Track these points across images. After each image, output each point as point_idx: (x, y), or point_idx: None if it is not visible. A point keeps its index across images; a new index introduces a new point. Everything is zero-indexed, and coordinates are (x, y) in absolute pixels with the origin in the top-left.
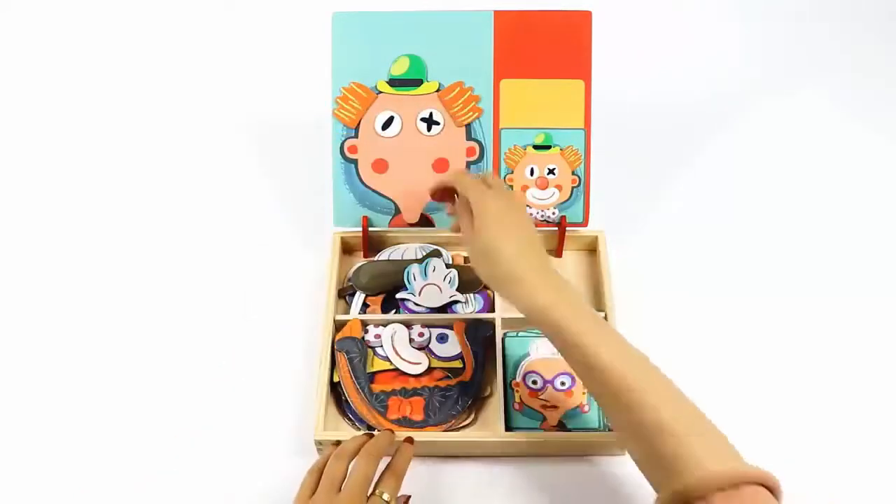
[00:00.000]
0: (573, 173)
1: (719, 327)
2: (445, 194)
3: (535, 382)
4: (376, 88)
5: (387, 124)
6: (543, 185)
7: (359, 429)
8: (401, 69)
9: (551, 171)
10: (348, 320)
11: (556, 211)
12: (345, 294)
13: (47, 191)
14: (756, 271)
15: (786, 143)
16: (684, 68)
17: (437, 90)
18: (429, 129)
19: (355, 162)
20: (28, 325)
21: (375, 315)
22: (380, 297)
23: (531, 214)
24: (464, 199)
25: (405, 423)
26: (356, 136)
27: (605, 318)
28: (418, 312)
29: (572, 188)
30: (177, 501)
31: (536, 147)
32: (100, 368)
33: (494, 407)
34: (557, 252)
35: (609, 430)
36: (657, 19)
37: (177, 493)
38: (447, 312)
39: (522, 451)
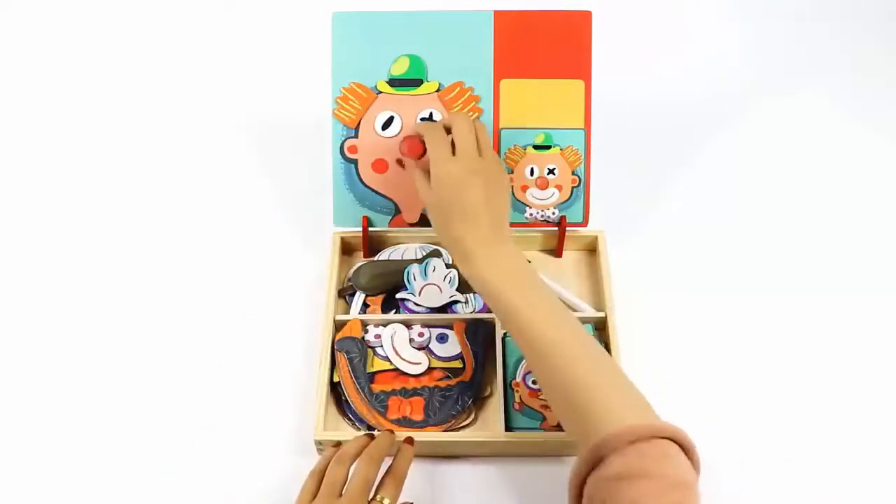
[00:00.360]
0: (573, 173)
1: (719, 327)
2: (413, 146)
3: (535, 382)
4: (376, 88)
5: (387, 124)
6: (543, 185)
7: (359, 429)
8: (401, 69)
9: (551, 171)
10: (348, 320)
11: (556, 211)
12: (345, 294)
13: (48, 191)
14: (756, 271)
15: (786, 143)
16: (684, 68)
17: (437, 90)
18: None
19: (355, 162)
20: (29, 326)
21: (375, 315)
22: (380, 297)
23: (531, 215)
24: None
25: (405, 423)
26: (356, 136)
27: (605, 318)
28: (418, 312)
29: (572, 188)
30: (177, 501)
31: (536, 147)
32: (100, 368)
33: (494, 407)
34: (557, 252)
35: None
36: (657, 19)
37: (177, 493)
38: (447, 312)
39: (522, 451)
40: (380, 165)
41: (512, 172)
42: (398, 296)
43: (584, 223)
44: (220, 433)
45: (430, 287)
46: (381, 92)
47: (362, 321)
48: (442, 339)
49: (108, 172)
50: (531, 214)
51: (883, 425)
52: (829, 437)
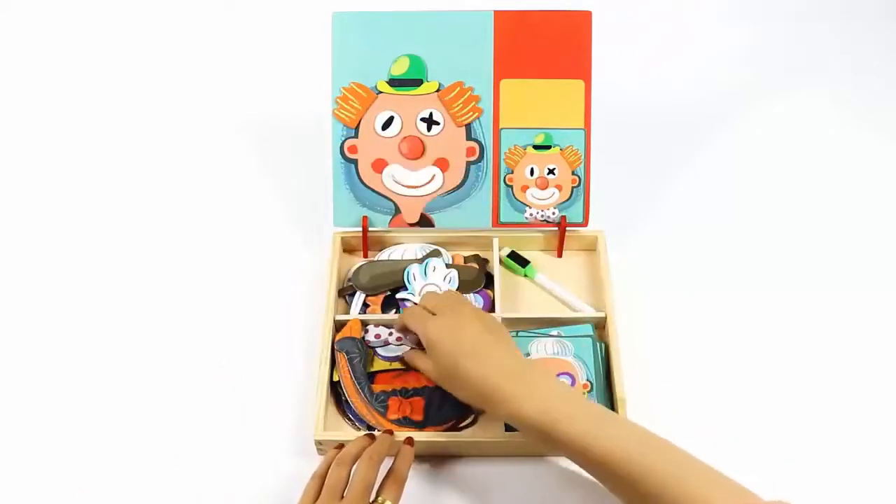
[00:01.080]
0: (573, 173)
1: (719, 327)
2: (413, 146)
3: (532, 173)
4: (376, 88)
5: (387, 124)
6: (543, 185)
7: (359, 429)
8: (401, 69)
9: (551, 171)
10: (348, 320)
11: (556, 211)
12: (345, 294)
13: (48, 191)
14: (756, 271)
15: (785, 143)
16: (684, 68)
17: (437, 90)
18: (429, 129)
19: (355, 162)
20: (29, 326)
21: (375, 315)
22: (380, 297)
23: (531, 215)
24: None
25: (405, 423)
26: (356, 136)
27: (605, 318)
28: None
29: (572, 188)
30: (177, 501)
31: (536, 147)
32: (100, 368)
33: None
34: (557, 252)
35: None
36: (657, 19)
37: (177, 493)
38: None
39: (522, 451)
40: (379, 165)
41: (512, 173)
42: (398, 296)
43: (584, 223)
44: (221, 433)
45: (429, 287)
46: (381, 92)
47: (362, 321)
48: None
49: (108, 172)
50: (531, 214)
51: (883, 422)
52: (830, 435)
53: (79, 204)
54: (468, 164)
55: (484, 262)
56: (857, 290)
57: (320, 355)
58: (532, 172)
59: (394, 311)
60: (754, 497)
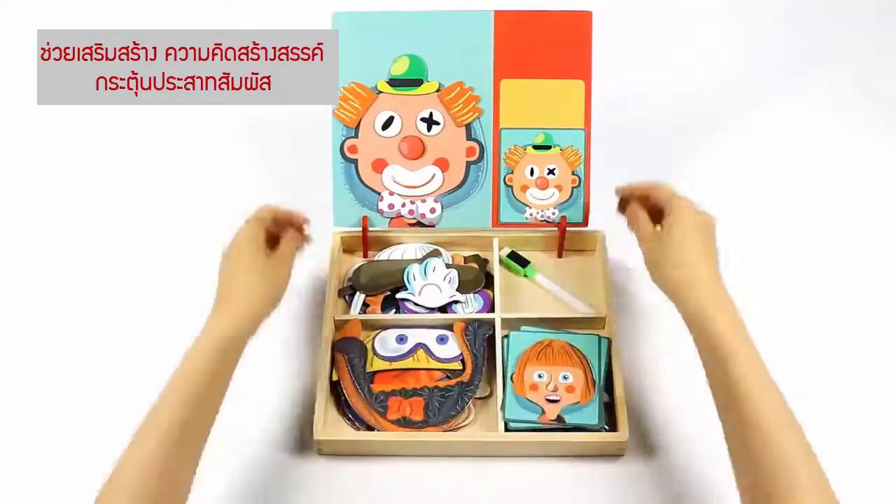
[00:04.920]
0: (573, 173)
1: None
2: (413, 147)
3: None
4: (376, 88)
5: (387, 124)
6: (543, 186)
7: (359, 428)
8: (401, 69)
9: (551, 172)
10: (348, 320)
11: (556, 211)
12: (345, 294)
13: (47, 191)
14: (755, 271)
15: (785, 144)
16: (685, 68)
17: (438, 90)
18: (429, 129)
19: (355, 162)
20: (28, 326)
21: (375, 315)
22: (380, 297)
23: (531, 215)
24: (647, 199)
25: (405, 423)
26: (356, 135)
27: (606, 318)
28: (418, 312)
29: (572, 188)
30: None
31: (536, 147)
32: (100, 368)
33: (494, 407)
34: (557, 252)
35: (608, 429)
36: (657, 19)
37: None
38: (447, 312)
39: (522, 452)
40: (380, 165)
41: (512, 173)
42: (398, 296)
43: (585, 223)
44: (220, 433)
45: (430, 287)
46: (381, 92)
47: (362, 321)
48: (442, 340)
49: (107, 172)
50: (531, 214)
51: (884, 424)
52: (829, 435)
53: (78, 204)
54: (468, 164)
55: (484, 262)
56: (856, 287)
57: (320, 355)
58: (532, 172)
59: (394, 310)
60: (831, 490)
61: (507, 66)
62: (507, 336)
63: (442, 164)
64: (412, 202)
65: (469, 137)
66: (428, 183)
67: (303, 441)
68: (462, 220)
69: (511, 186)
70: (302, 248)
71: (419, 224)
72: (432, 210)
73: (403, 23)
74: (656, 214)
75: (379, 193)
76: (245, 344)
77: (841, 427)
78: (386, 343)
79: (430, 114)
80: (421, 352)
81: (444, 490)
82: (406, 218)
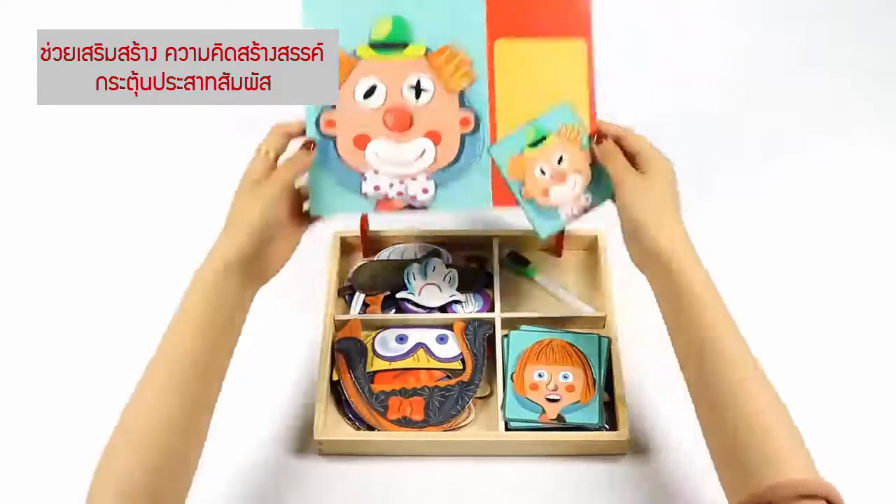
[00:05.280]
0: (581, 149)
1: None
2: (400, 119)
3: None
4: (356, 54)
5: (369, 93)
6: (561, 178)
7: (359, 428)
8: (383, 32)
9: (560, 161)
10: (348, 320)
11: (589, 196)
12: (345, 294)
13: (47, 191)
14: (755, 271)
15: (786, 144)
16: (685, 68)
17: (425, 54)
18: (417, 97)
19: (334, 139)
20: (26, 326)
21: (375, 315)
22: (380, 297)
23: (567, 214)
24: (620, 145)
25: (405, 423)
26: (334, 108)
27: (605, 318)
28: (418, 312)
29: (591, 166)
30: None
31: (532, 145)
32: (100, 368)
33: (494, 407)
34: (557, 252)
35: (608, 429)
36: (657, 19)
37: None
38: (447, 312)
39: (522, 451)
40: (362, 141)
41: (524, 184)
42: (398, 296)
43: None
44: (220, 433)
45: (430, 287)
46: (361, 57)
47: (362, 321)
48: (442, 339)
49: (106, 172)
50: (567, 214)
51: (882, 426)
52: (828, 435)
53: (78, 204)
54: (463, 136)
55: (484, 262)
56: (856, 290)
57: (320, 355)
58: (543, 172)
59: (393, 310)
60: (814, 465)
61: (501, 25)
62: (507, 336)
63: (433, 136)
64: (401, 181)
65: (462, 105)
66: (419, 158)
67: (303, 441)
68: (459, 199)
69: (533, 199)
70: (300, 170)
71: (410, 207)
72: (424, 190)
73: None
74: (630, 158)
75: (362, 174)
76: (249, 266)
77: (849, 428)
78: (386, 343)
79: (418, 80)
80: (421, 351)
81: (445, 490)
82: (395, 200)
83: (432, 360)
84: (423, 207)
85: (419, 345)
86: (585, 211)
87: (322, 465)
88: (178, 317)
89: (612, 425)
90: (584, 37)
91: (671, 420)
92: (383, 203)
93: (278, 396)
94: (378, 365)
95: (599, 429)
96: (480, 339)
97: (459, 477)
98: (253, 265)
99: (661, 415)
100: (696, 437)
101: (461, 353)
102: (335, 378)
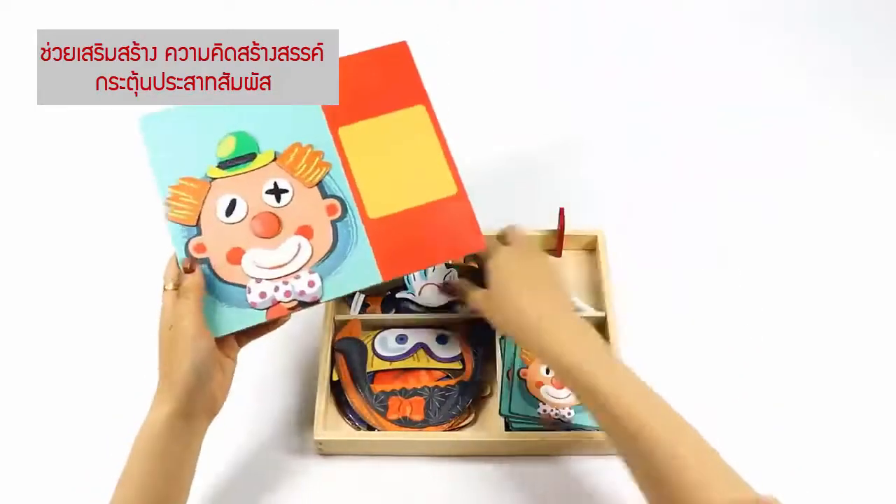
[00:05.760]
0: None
1: (718, 326)
2: (267, 223)
3: (548, 371)
4: (207, 176)
5: (230, 209)
6: (560, 384)
7: (359, 428)
8: (228, 149)
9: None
10: (348, 320)
11: (572, 412)
12: None
13: (47, 191)
14: (755, 271)
15: (785, 144)
16: (684, 69)
17: (275, 158)
18: (278, 199)
19: (207, 261)
20: (27, 326)
21: (375, 315)
22: (380, 297)
23: (544, 411)
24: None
25: (405, 423)
26: (199, 233)
27: (605, 318)
28: (418, 312)
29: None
30: None
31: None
32: (100, 368)
33: (495, 406)
34: (557, 252)
35: None
36: (657, 20)
37: None
38: (447, 312)
39: (522, 451)
40: (236, 255)
41: (527, 367)
42: (398, 296)
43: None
44: (221, 433)
45: (430, 287)
46: (213, 178)
47: (362, 321)
48: (442, 340)
49: (107, 172)
50: (544, 410)
51: (881, 427)
52: (828, 432)
53: (78, 204)
54: (333, 223)
55: (483, 262)
56: (853, 288)
57: (320, 355)
58: (548, 371)
59: (394, 310)
60: (748, 489)
61: (340, 115)
62: (506, 336)
63: (305, 231)
64: (284, 282)
65: (325, 195)
66: (296, 256)
67: (303, 441)
68: (348, 283)
69: (524, 380)
70: (198, 293)
71: (301, 305)
72: (311, 283)
73: (216, 109)
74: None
75: (244, 286)
76: (193, 409)
77: (848, 428)
78: (386, 343)
79: (275, 183)
80: (421, 352)
81: (445, 490)
82: (284, 302)
83: (432, 361)
84: (316, 301)
85: (419, 345)
86: (562, 421)
87: (322, 465)
88: (124, 476)
89: None
90: (421, 103)
91: None
92: (275, 308)
93: (278, 396)
94: (378, 365)
95: (600, 429)
96: (480, 339)
97: (459, 477)
98: (197, 406)
99: None
100: None
101: (461, 354)
102: (335, 378)
